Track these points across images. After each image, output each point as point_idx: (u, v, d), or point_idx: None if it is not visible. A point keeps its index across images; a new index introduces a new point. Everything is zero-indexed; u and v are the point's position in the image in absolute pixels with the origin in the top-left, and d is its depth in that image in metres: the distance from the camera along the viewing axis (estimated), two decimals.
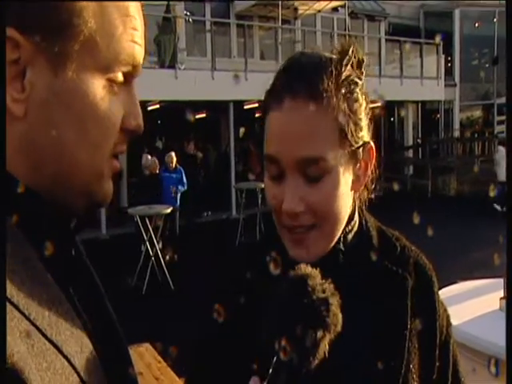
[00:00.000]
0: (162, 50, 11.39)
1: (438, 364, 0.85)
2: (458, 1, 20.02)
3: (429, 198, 13.11)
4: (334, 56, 0.81)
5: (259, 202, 9.53)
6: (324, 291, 0.66)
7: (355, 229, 0.87)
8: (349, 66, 0.80)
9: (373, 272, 0.84)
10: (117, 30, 0.58)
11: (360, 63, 0.83)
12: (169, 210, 7.51)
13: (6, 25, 0.53)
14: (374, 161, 0.85)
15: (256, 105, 13.58)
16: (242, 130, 14.75)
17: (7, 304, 0.49)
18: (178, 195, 8.56)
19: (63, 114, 0.56)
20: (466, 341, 2.26)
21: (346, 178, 0.80)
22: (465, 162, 16.71)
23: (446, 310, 0.90)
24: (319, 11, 15.99)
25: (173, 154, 8.61)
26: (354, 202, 0.87)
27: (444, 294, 2.68)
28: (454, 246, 8.19)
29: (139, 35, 0.61)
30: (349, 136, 0.79)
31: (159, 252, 7.33)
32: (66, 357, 0.53)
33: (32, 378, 0.48)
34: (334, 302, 0.66)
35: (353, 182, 0.82)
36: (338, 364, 0.75)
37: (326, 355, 0.65)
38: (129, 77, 0.62)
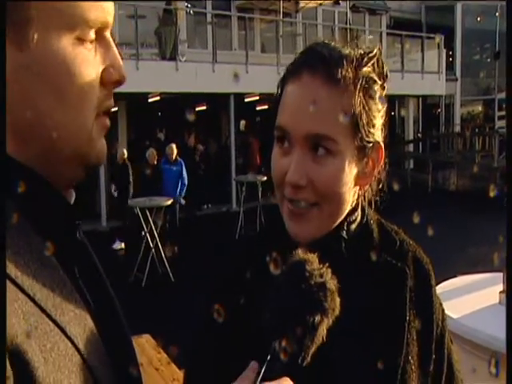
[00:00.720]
0: (163, 42, 11.36)
1: (434, 356, 0.86)
2: None
3: (429, 193, 13.11)
4: (359, 51, 0.83)
5: (259, 194, 9.53)
6: (322, 276, 0.66)
7: (358, 220, 0.88)
8: (370, 64, 0.82)
9: (372, 263, 0.85)
10: None
11: (383, 69, 0.85)
12: (169, 202, 7.51)
13: None
14: (382, 162, 0.86)
15: (257, 98, 13.55)
16: (242, 122, 14.71)
17: (12, 285, 0.49)
18: (179, 188, 8.51)
19: (37, 84, 0.55)
20: (466, 334, 2.27)
21: (351, 168, 0.81)
22: (465, 156, 16.69)
23: (441, 304, 0.92)
24: (320, 4, 15.93)
25: (173, 145, 8.56)
26: (359, 198, 0.88)
27: (444, 287, 2.70)
28: (454, 241, 8.21)
29: None
30: (360, 128, 0.80)
31: (159, 244, 7.34)
32: (69, 338, 0.53)
33: (35, 359, 0.48)
34: (332, 287, 0.66)
35: (358, 176, 0.83)
36: (336, 349, 0.75)
37: (324, 340, 0.65)
38: (101, 31, 0.60)
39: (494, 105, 21.51)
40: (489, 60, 21.88)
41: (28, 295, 0.50)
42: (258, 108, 14.68)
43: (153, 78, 9.93)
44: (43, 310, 0.51)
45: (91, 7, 0.57)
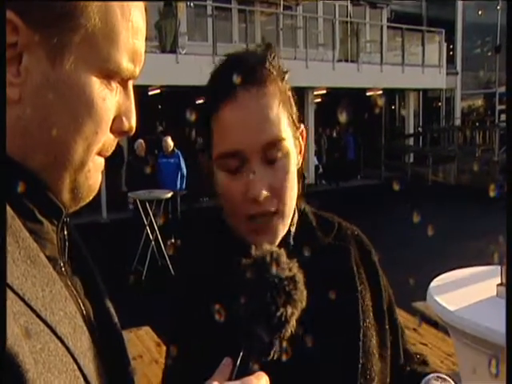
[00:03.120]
0: (163, 35, 11.33)
1: (388, 318, 0.95)
2: None
3: (429, 187, 13.12)
4: (259, 50, 0.87)
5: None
6: (291, 269, 0.67)
7: (296, 218, 0.92)
8: (276, 57, 0.86)
9: (318, 251, 0.90)
10: (119, 33, 0.58)
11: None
12: (169, 195, 7.52)
13: (7, 8, 0.52)
14: (305, 141, 0.91)
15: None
16: None
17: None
18: (179, 180, 8.49)
19: (57, 104, 0.56)
20: (463, 327, 2.28)
21: (294, 160, 0.86)
22: (465, 151, 16.68)
23: (386, 280, 1.00)
24: None
25: (168, 138, 8.51)
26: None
27: (441, 280, 2.70)
28: (453, 234, 8.22)
29: (141, 41, 0.61)
30: (294, 119, 0.86)
31: (159, 236, 7.35)
32: (59, 338, 0.52)
33: (26, 361, 0.47)
34: (301, 280, 0.67)
35: (298, 164, 0.88)
36: (305, 339, 0.78)
37: (293, 332, 0.66)
38: (127, 79, 0.62)
39: (495, 99, 21.47)
40: (489, 54, 21.84)
41: (17, 294, 0.49)
42: None
43: (153, 71, 9.91)
44: (33, 310, 0.50)
45: (127, 57, 0.60)
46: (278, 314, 0.65)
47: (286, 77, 0.86)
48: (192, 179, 8.67)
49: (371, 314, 0.91)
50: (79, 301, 0.60)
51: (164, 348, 4.24)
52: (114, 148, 0.63)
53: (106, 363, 0.60)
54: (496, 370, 1.95)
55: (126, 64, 0.60)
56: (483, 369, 2.20)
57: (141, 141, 8.46)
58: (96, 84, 0.58)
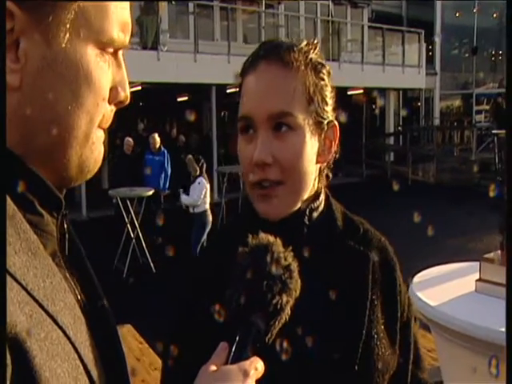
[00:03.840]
0: (145, 31, 11.24)
1: (400, 338, 0.92)
2: None
3: (409, 185, 13.28)
4: (304, 41, 0.92)
5: (241, 185, 9.54)
6: (286, 258, 0.69)
7: (321, 208, 0.93)
8: (316, 51, 0.90)
9: (335, 249, 0.91)
10: (109, 5, 0.60)
11: (323, 58, 0.93)
12: (150, 193, 7.47)
13: None
14: (337, 141, 0.93)
15: (238, 89, 13.50)
16: (223, 113, 14.68)
17: (6, 274, 0.49)
18: (162, 180, 8.43)
19: (57, 83, 0.57)
20: (444, 321, 2.32)
21: (312, 143, 0.88)
22: (444, 150, 16.93)
23: (407, 292, 0.98)
24: None
25: (156, 135, 8.47)
26: (319, 178, 0.94)
27: (422, 277, 2.74)
28: (432, 233, 8.33)
29: (128, 12, 0.63)
30: (315, 104, 0.87)
31: (140, 234, 7.31)
32: (60, 327, 0.53)
33: (33, 347, 0.48)
34: (295, 269, 0.69)
35: (318, 153, 0.90)
36: (300, 328, 0.79)
37: (287, 320, 0.68)
38: (118, 50, 0.63)
39: (472, 99, 21.80)
40: (467, 55, 22.14)
41: (21, 284, 0.50)
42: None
43: (134, 68, 9.81)
44: (35, 300, 0.51)
45: (118, 27, 0.61)
46: (274, 301, 0.67)
47: (324, 72, 0.90)
48: (175, 177, 8.64)
49: (381, 328, 0.89)
50: (77, 293, 0.61)
51: (145, 345, 4.24)
52: (110, 122, 0.65)
53: (103, 354, 0.60)
54: (496, 370, 1.99)
55: (117, 34, 0.61)
56: (464, 362, 2.25)
57: (129, 138, 8.41)
58: (92, 57, 0.59)
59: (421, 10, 20.40)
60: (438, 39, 19.39)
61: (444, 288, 2.62)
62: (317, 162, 0.90)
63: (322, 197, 0.94)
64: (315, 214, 0.92)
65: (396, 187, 11.40)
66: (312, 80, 0.88)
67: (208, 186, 6.59)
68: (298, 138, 0.86)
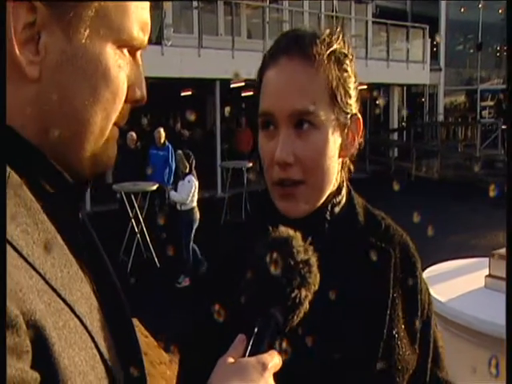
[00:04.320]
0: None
1: (419, 336, 0.90)
2: None
3: (412, 181, 13.25)
4: (327, 31, 0.89)
5: (245, 180, 9.54)
6: (305, 252, 0.69)
7: (342, 203, 0.92)
8: (339, 40, 0.87)
9: (356, 245, 0.89)
10: (130, 5, 0.61)
11: (348, 44, 0.90)
12: (154, 187, 7.48)
13: None
14: (361, 134, 0.91)
15: (242, 84, 13.48)
16: (227, 108, 14.65)
17: (25, 263, 0.50)
18: (166, 175, 8.41)
19: (76, 77, 0.58)
20: (453, 316, 2.32)
21: (334, 139, 0.86)
22: (448, 146, 16.89)
23: (428, 290, 0.96)
24: None
25: (161, 129, 8.43)
26: (341, 172, 0.92)
27: (431, 272, 2.74)
28: (436, 229, 8.32)
29: (148, 12, 0.64)
30: (338, 99, 0.85)
31: (144, 229, 7.32)
32: (78, 316, 0.54)
33: (52, 334, 0.49)
34: (315, 263, 0.69)
35: (341, 148, 0.88)
36: (319, 323, 0.79)
37: (306, 314, 0.68)
38: (136, 49, 0.64)
39: (476, 95, 21.72)
40: (471, 51, 22.05)
41: (39, 273, 0.51)
42: (243, 94, 14.62)
43: None
44: (53, 289, 0.52)
45: (138, 26, 0.62)
46: (293, 295, 0.67)
47: (347, 63, 0.88)
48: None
49: (401, 327, 0.88)
50: (92, 283, 0.61)
51: (151, 339, 4.25)
52: (125, 120, 0.65)
53: (118, 343, 0.61)
54: (496, 370, 1.99)
55: (137, 33, 0.62)
56: (465, 362, 2.25)
57: (132, 133, 8.39)
58: (111, 54, 0.60)
59: (425, 5, 20.31)
60: (438, 37, 19.29)
61: (453, 283, 2.62)
62: (339, 157, 0.89)
63: (344, 191, 0.92)
64: (337, 209, 0.90)
65: (399, 183, 11.38)
66: (335, 73, 0.85)
67: (197, 183, 6.51)
68: (321, 135, 0.84)
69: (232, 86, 13.00)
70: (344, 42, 0.89)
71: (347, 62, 0.88)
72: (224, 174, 10.72)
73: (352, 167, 0.95)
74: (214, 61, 11.49)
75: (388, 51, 15.86)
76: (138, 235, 7.27)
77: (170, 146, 8.39)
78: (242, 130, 13.16)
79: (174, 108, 12.52)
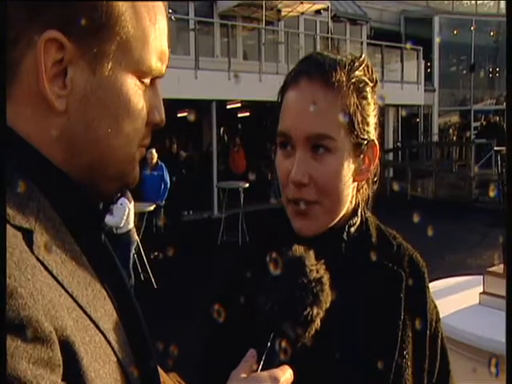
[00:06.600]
0: None
1: (427, 353, 0.92)
2: (437, 8, 20.33)
3: (408, 201, 13.30)
4: (350, 57, 0.91)
5: (241, 201, 9.56)
6: (318, 271, 0.71)
7: (357, 224, 0.94)
8: (361, 68, 0.90)
9: (370, 265, 0.91)
10: (149, 36, 0.65)
11: (372, 73, 0.93)
12: (151, 208, 7.48)
13: (50, 27, 0.57)
14: (376, 160, 0.93)
15: (239, 105, 13.60)
16: (223, 129, 14.74)
17: (55, 282, 0.54)
18: (162, 193, 8.43)
19: (100, 108, 0.62)
20: (447, 332, 2.34)
21: (349, 165, 0.88)
22: (443, 166, 16.99)
23: (435, 307, 0.98)
24: (302, 13, 16.08)
25: (153, 150, 8.48)
26: (357, 196, 0.94)
27: None
28: (432, 248, 8.33)
29: (166, 39, 0.68)
30: (355, 125, 0.87)
31: (141, 250, 7.30)
32: (102, 332, 0.57)
33: (81, 349, 0.52)
34: (327, 282, 0.71)
35: (356, 172, 0.90)
36: (331, 340, 0.81)
37: (317, 331, 0.70)
38: (156, 78, 0.68)
39: (470, 116, 21.93)
40: (464, 72, 22.32)
41: (67, 291, 0.55)
42: (239, 115, 14.73)
43: None
44: (80, 306, 0.56)
45: (156, 56, 0.66)
46: (305, 313, 0.69)
47: (367, 90, 0.89)
48: (175, 193, 8.63)
49: (412, 346, 0.89)
50: (113, 301, 0.64)
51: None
52: (149, 142, 0.70)
53: (138, 357, 0.64)
54: (496, 370, 2.00)
55: (155, 64, 0.66)
56: (468, 372, 2.26)
57: None
58: (131, 84, 0.64)
59: (419, 27, 20.62)
60: (434, 57, 19.55)
61: (448, 300, 2.65)
62: (354, 181, 0.90)
63: (359, 212, 0.95)
64: (352, 230, 0.93)
65: (395, 203, 11.42)
66: (353, 101, 0.87)
67: (131, 205, 6.31)
68: (336, 160, 0.86)
69: (228, 106, 13.10)
70: (367, 68, 0.91)
71: (367, 89, 0.90)
72: (220, 195, 10.74)
73: (368, 190, 0.96)
74: (211, 82, 11.60)
75: (383, 72, 16.03)
76: (135, 256, 7.25)
77: (162, 165, 8.40)
78: (235, 151, 13.21)
79: (170, 129, 12.56)
